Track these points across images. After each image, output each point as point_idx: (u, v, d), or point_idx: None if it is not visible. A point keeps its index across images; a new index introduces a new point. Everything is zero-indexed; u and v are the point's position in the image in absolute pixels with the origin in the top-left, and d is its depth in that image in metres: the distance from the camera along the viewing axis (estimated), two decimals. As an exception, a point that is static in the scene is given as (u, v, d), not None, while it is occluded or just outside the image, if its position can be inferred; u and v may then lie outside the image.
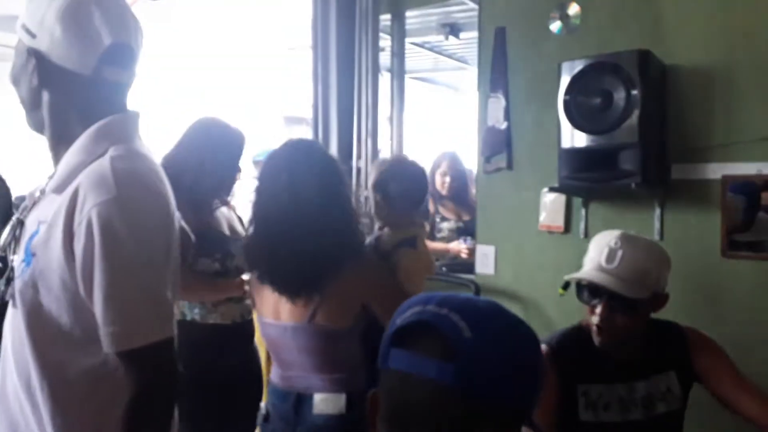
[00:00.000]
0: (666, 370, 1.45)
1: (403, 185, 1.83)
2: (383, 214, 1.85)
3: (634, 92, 1.83)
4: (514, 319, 0.72)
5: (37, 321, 0.95)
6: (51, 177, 1.00)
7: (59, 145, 1.00)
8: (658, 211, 2.05)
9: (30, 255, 0.95)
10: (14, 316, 0.98)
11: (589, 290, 1.38)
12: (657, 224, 2.05)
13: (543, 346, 1.38)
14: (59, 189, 0.96)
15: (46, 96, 0.97)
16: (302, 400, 1.48)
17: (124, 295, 0.91)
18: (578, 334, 1.45)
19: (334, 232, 1.41)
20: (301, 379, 1.51)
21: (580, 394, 1.38)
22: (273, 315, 1.52)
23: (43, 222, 0.95)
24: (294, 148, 1.51)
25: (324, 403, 1.46)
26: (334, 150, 2.77)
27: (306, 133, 2.97)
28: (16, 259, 0.98)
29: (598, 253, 1.38)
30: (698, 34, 1.98)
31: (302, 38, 3.57)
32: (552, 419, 1.34)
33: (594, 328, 1.37)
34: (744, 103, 1.91)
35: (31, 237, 0.96)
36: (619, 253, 1.34)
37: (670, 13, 2.02)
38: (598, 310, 1.35)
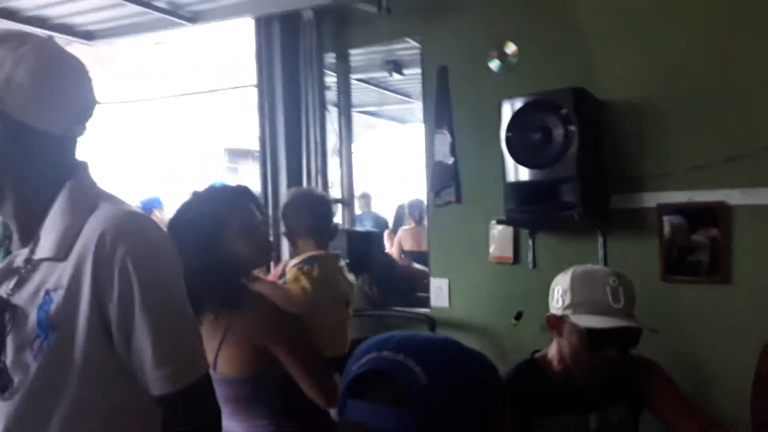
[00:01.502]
0: (616, 399, 1.47)
1: (300, 214, 1.95)
2: (289, 242, 2.01)
3: (572, 128, 1.91)
4: (473, 357, 0.72)
5: (61, 401, 0.88)
6: (32, 246, 0.93)
7: (26, 209, 0.94)
8: (600, 240, 2.13)
9: (47, 329, 0.87)
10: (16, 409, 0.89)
11: (610, 334, 1.33)
12: (601, 252, 2.13)
13: None
14: (60, 255, 0.90)
15: (12, 158, 0.92)
16: None
17: (174, 333, 0.92)
18: (530, 367, 1.46)
19: (209, 287, 1.39)
20: (227, 426, 1.48)
21: (534, 427, 1.39)
22: None
23: (53, 290, 0.88)
24: (185, 206, 1.50)
25: None
26: (283, 188, 2.76)
27: (251, 166, 2.93)
28: (14, 343, 0.89)
29: (600, 295, 1.35)
30: (628, 71, 2.09)
31: (245, 75, 3.57)
32: None
33: (593, 365, 1.36)
34: (672, 135, 2.02)
35: (42, 308, 0.88)
36: (620, 290, 1.36)
37: (600, 52, 2.13)
38: (611, 348, 1.34)
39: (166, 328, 0.90)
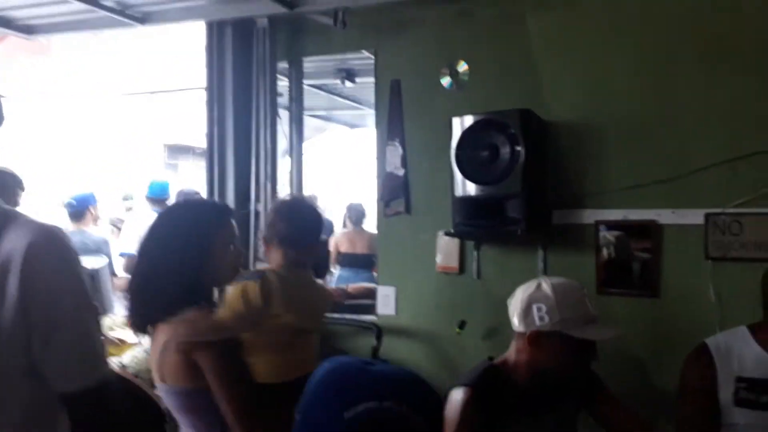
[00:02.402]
0: (565, 400, 1.58)
1: (275, 222, 1.79)
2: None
3: (518, 148, 2.00)
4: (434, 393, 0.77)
5: None
6: None
7: None
8: (541, 253, 2.23)
9: None
10: None
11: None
12: (541, 265, 2.23)
13: (465, 389, 1.43)
14: None
15: None
16: None
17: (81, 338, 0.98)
18: (493, 372, 1.53)
19: (180, 296, 1.42)
20: None
21: (500, 429, 1.45)
22: None
23: None
24: (168, 213, 1.59)
25: None
26: (230, 193, 2.73)
27: (191, 163, 2.88)
28: None
29: (583, 306, 1.49)
30: (572, 94, 2.20)
31: (189, 76, 3.49)
32: None
33: (574, 371, 1.50)
34: (612, 156, 2.14)
35: None
36: (588, 298, 1.52)
37: (547, 75, 2.23)
38: (594, 354, 1.50)
39: (76, 332, 0.97)
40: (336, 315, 2.88)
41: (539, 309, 1.46)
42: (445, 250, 2.41)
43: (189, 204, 1.62)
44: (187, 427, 1.42)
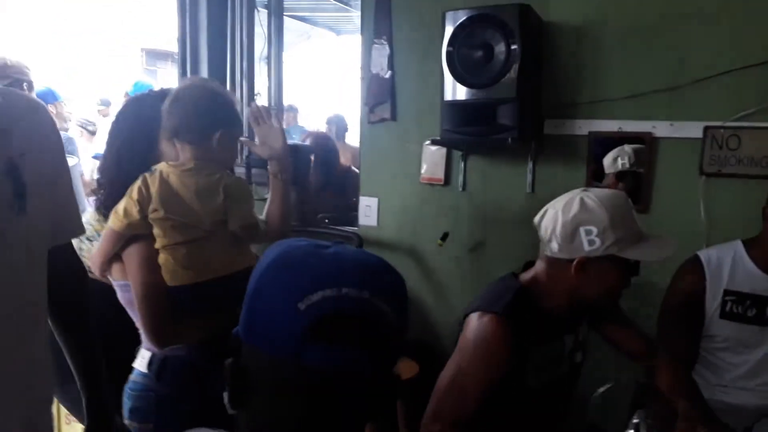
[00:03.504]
0: (582, 320, 1.52)
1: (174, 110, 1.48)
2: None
3: (514, 47, 1.85)
4: (401, 278, 0.71)
5: None
6: None
7: None
8: (530, 165, 2.14)
9: None
10: None
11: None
12: (529, 177, 2.15)
13: (495, 318, 1.30)
14: None
15: None
16: None
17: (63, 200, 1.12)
18: (525, 297, 1.36)
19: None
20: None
21: (529, 359, 1.35)
22: None
23: None
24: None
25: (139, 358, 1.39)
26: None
27: (171, 69, 2.71)
28: None
29: (634, 222, 1.34)
30: (573, -8, 2.04)
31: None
32: (489, 392, 1.29)
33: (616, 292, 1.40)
34: (609, 63, 2.01)
35: None
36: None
37: (548, -31, 2.05)
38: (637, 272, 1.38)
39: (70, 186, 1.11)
40: (318, 228, 2.84)
41: (588, 232, 1.27)
42: (431, 160, 2.31)
43: (141, 96, 1.48)
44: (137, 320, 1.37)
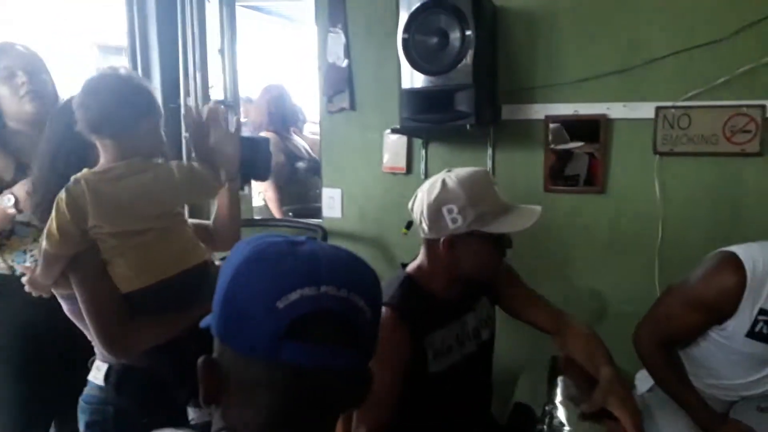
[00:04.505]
0: (480, 297, 1.54)
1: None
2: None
3: (469, 32, 1.85)
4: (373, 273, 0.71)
5: None
6: None
7: None
8: (490, 150, 2.16)
9: None
10: None
11: None
12: (489, 163, 2.16)
13: (385, 308, 1.30)
14: None
15: None
16: None
17: None
18: (411, 285, 1.41)
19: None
20: None
21: (427, 345, 1.38)
22: None
23: None
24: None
25: (94, 370, 1.34)
26: (157, 86, 2.49)
27: (125, 63, 2.61)
28: None
29: (494, 197, 1.37)
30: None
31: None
32: (399, 383, 1.30)
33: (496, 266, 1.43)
34: (563, 47, 2.03)
35: None
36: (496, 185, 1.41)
37: (500, -47, 2.05)
38: (509, 243, 1.42)
39: None
40: (281, 219, 2.80)
41: (450, 210, 1.32)
42: (392, 149, 2.30)
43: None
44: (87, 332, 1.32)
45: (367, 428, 1.27)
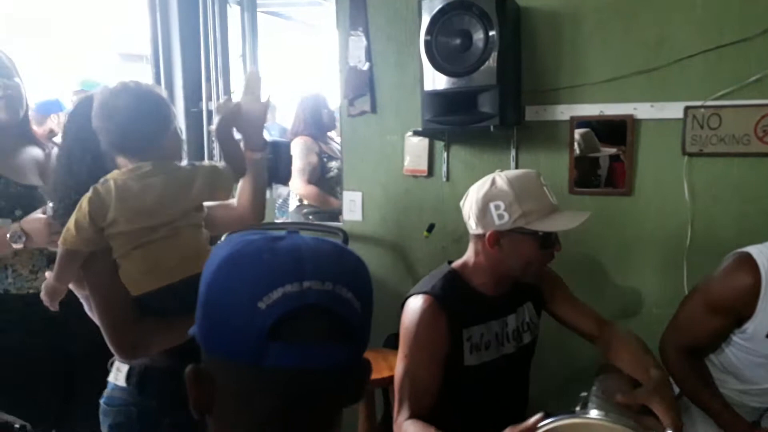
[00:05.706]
0: (525, 301, 1.54)
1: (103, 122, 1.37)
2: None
3: (492, 33, 1.83)
4: (361, 260, 0.68)
5: None
6: None
7: None
8: (513, 152, 2.13)
9: None
10: None
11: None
12: (513, 165, 2.13)
13: (425, 297, 1.38)
14: None
15: None
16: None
17: None
18: (454, 278, 1.45)
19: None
20: None
21: (465, 338, 1.40)
22: None
23: None
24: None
25: (114, 371, 1.33)
26: (179, 91, 2.51)
27: (147, 71, 2.64)
28: None
29: (543, 196, 1.38)
30: (550, -24, 2.02)
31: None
32: (439, 370, 1.35)
33: (541, 265, 1.43)
34: (588, 47, 2.00)
35: None
36: (547, 186, 1.41)
37: (523, -47, 2.03)
38: (557, 243, 1.41)
39: None
40: (302, 221, 2.80)
41: (497, 207, 1.35)
42: (413, 151, 2.28)
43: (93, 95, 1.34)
44: None
45: (410, 413, 1.30)
